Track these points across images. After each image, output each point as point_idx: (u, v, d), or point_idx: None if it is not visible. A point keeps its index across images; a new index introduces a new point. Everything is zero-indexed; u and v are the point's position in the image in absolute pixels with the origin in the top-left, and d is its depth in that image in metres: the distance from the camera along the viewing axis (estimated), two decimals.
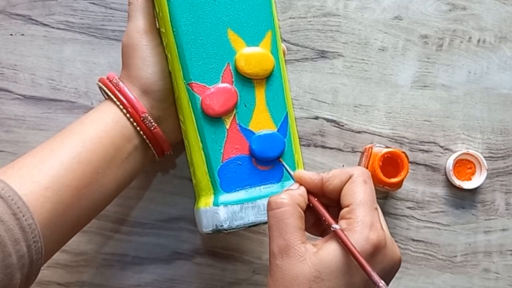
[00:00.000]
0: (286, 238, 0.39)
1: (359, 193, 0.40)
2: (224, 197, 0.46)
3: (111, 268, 0.58)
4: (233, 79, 0.46)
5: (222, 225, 0.45)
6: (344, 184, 0.41)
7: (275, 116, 0.47)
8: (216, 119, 0.46)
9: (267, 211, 0.40)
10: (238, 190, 0.46)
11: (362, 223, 0.38)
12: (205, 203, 0.46)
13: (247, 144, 0.47)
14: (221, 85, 0.46)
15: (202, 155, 0.46)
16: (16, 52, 0.58)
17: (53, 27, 0.58)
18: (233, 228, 0.46)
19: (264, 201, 0.46)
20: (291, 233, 0.39)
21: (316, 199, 0.42)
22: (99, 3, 0.58)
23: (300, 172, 0.43)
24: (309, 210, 0.42)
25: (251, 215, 0.46)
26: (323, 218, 0.41)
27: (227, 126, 0.46)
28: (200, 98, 0.46)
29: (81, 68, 0.58)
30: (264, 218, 0.46)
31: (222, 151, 0.46)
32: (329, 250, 0.38)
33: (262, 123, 0.47)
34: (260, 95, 0.47)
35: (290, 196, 0.40)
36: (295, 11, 0.59)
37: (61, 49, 0.58)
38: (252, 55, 0.46)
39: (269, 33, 0.47)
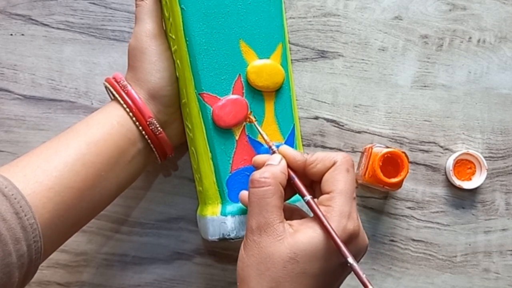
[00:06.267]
0: (266, 216, 0.39)
1: (341, 182, 0.40)
2: (232, 207, 0.46)
3: (111, 268, 0.58)
4: (244, 91, 0.46)
5: (229, 235, 0.46)
6: (327, 170, 0.41)
7: (283, 128, 0.48)
8: (226, 130, 0.46)
9: (249, 187, 0.41)
10: None
11: (340, 213, 0.39)
12: (212, 211, 0.46)
13: (256, 155, 0.47)
14: (232, 96, 0.46)
15: (211, 165, 0.46)
16: (16, 52, 0.57)
17: (53, 27, 0.58)
18: (239, 238, 0.46)
19: None
20: (271, 212, 0.39)
21: (295, 176, 0.42)
22: (99, 3, 0.58)
23: (286, 149, 0.43)
24: (288, 184, 0.43)
25: None
26: (299, 192, 0.41)
27: (237, 138, 0.47)
28: (211, 109, 0.46)
29: (81, 68, 0.58)
30: None
31: (231, 162, 0.46)
32: (307, 234, 0.39)
33: (270, 135, 0.47)
34: (269, 107, 0.47)
35: (273, 175, 0.40)
36: (295, 11, 0.59)
37: (61, 49, 0.58)
38: (263, 68, 0.46)
39: (280, 46, 0.47)
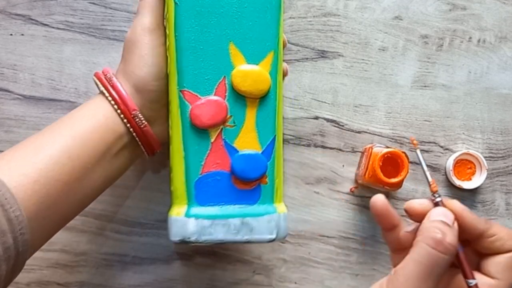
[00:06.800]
0: (430, 283, 0.37)
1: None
2: (197, 209, 0.45)
3: (111, 268, 0.58)
4: (227, 94, 0.46)
5: (190, 238, 0.45)
6: (505, 252, 0.39)
7: (262, 138, 0.46)
8: (202, 131, 0.45)
9: (428, 244, 0.37)
10: (212, 205, 0.45)
11: None
12: (177, 212, 0.46)
13: (229, 161, 0.46)
14: (213, 97, 0.45)
15: (182, 164, 0.46)
16: (16, 52, 0.57)
17: (53, 27, 0.58)
18: (200, 242, 0.45)
19: (236, 221, 0.45)
20: (436, 282, 0.37)
21: (462, 248, 0.39)
22: (99, 3, 0.58)
23: (461, 207, 0.39)
24: None
25: (220, 233, 0.45)
26: (463, 271, 0.39)
27: (212, 140, 0.46)
28: (190, 107, 0.45)
29: (81, 68, 0.58)
30: (233, 237, 0.45)
31: (202, 163, 0.45)
32: None
33: (248, 143, 0.46)
34: (250, 114, 0.46)
35: (455, 244, 0.37)
36: (295, 11, 0.59)
37: (61, 49, 0.58)
38: (249, 73, 0.45)
39: (271, 54, 0.46)
